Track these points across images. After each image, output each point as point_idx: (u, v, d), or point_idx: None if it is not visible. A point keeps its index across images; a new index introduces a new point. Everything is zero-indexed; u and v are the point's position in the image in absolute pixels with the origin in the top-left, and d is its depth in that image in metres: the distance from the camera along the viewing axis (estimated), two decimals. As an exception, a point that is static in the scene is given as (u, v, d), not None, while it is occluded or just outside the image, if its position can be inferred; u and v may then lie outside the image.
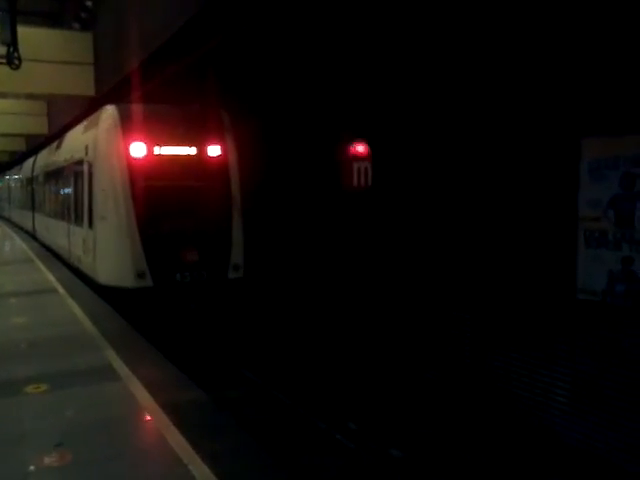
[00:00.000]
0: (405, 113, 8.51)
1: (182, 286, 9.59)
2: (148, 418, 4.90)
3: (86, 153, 10.96)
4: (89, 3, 16.80)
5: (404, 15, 8.02)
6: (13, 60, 9.29)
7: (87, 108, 18.55)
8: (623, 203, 5.94)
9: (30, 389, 5.49)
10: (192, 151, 10.00)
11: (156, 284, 9.38)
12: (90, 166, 10.51)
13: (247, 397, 8.46)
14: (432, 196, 8.14)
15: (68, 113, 21.12)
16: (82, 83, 16.64)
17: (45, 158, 19.13)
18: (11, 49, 9.33)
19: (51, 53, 15.53)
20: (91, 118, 12.01)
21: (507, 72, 6.96)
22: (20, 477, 3.90)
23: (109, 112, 10.15)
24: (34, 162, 22.48)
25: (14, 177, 31.17)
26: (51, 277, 12.30)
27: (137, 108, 10.33)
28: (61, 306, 9.36)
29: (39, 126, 25.40)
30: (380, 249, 9.13)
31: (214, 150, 10.16)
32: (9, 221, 33.77)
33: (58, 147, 16.21)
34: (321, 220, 10.56)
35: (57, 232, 15.16)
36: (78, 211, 11.86)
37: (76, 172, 12.13)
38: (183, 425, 4.63)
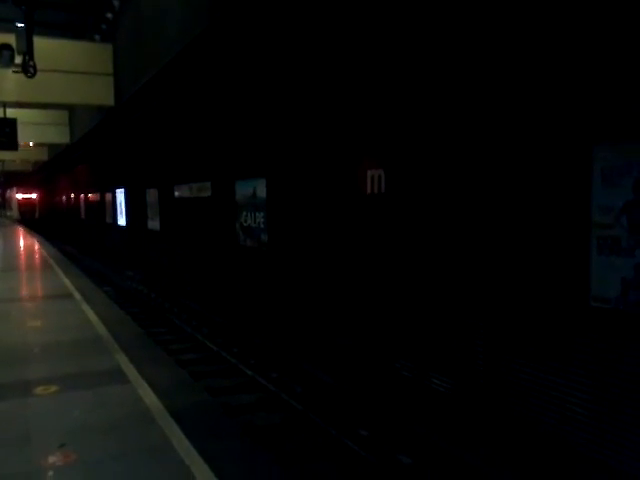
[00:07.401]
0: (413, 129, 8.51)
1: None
2: (153, 420, 4.92)
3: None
4: (110, 15, 17.16)
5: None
6: (28, 69, 9.55)
7: (106, 117, 18.84)
8: (637, 209, 5.82)
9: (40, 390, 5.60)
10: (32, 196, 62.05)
11: None
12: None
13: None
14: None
15: (89, 123, 21.52)
16: (102, 93, 16.95)
17: None
18: (27, 58, 9.59)
19: (71, 63, 15.84)
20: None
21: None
22: (23, 476, 3.95)
23: (15, 189, 63.59)
24: None
25: None
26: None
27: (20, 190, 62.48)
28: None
29: (61, 135, 25.92)
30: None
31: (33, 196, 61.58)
32: None
33: None
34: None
35: None
36: None
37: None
38: (187, 427, 4.64)
